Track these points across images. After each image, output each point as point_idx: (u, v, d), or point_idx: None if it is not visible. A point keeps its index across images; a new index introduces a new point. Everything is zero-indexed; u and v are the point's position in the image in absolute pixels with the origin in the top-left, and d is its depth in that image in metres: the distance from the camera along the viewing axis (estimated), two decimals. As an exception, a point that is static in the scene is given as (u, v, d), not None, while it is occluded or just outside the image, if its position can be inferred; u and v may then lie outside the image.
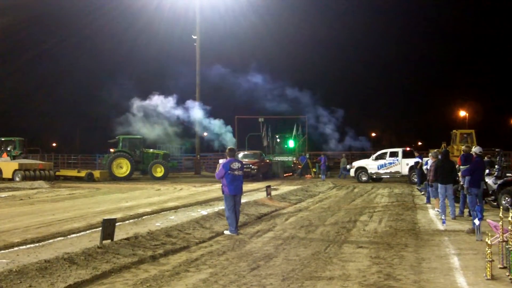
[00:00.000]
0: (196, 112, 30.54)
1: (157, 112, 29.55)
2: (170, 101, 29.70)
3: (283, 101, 32.81)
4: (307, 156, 31.67)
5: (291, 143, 31.95)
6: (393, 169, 24.67)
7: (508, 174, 12.50)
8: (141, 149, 29.33)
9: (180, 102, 30.32)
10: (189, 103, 30.83)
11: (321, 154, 30.08)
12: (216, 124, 30.33)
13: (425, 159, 19.03)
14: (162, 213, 12.00)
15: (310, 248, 7.67)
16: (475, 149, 10.95)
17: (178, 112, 29.98)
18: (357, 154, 35.50)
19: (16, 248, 7.57)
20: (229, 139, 30.04)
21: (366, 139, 36.88)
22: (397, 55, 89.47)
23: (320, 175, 28.29)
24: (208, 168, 36.61)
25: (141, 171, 30.06)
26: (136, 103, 29.37)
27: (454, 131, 29.45)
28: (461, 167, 11.61)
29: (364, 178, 24.96)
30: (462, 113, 54.29)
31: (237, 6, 32.68)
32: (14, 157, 27.13)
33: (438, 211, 11.43)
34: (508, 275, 5.64)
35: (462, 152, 12.27)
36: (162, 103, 29.56)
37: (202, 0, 32.80)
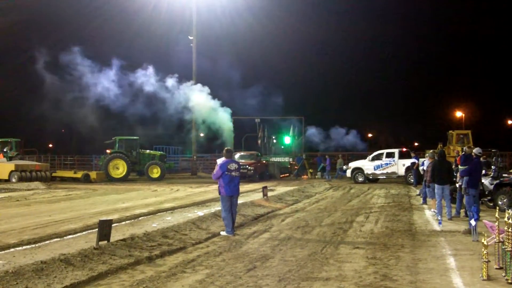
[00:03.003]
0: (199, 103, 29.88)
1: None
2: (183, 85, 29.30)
3: (276, 103, 32.92)
4: (304, 157, 31.70)
5: (287, 140, 31.85)
6: (389, 170, 24.72)
7: (504, 175, 12.54)
8: (138, 150, 29.27)
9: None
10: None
11: (324, 155, 30.14)
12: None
13: (421, 159, 19.13)
14: (159, 214, 11.99)
15: (307, 249, 7.68)
16: (475, 150, 10.98)
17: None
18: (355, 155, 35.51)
19: (12, 249, 7.55)
20: (229, 136, 29.69)
21: (357, 134, 36.28)
22: (394, 56, 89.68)
23: (317, 176, 28.35)
24: (205, 169, 36.55)
25: (137, 172, 30.00)
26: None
27: (450, 131, 29.55)
28: (459, 167, 11.63)
29: (360, 179, 25.01)
30: (459, 114, 54.51)
31: (233, 7, 32.73)
32: (10, 158, 27.07)
33: (434, 211, 11.46)
34: (504, 276, 5.66)
35: (462, 152, 12.30)
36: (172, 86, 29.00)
37: (198, 0, 32.81)
